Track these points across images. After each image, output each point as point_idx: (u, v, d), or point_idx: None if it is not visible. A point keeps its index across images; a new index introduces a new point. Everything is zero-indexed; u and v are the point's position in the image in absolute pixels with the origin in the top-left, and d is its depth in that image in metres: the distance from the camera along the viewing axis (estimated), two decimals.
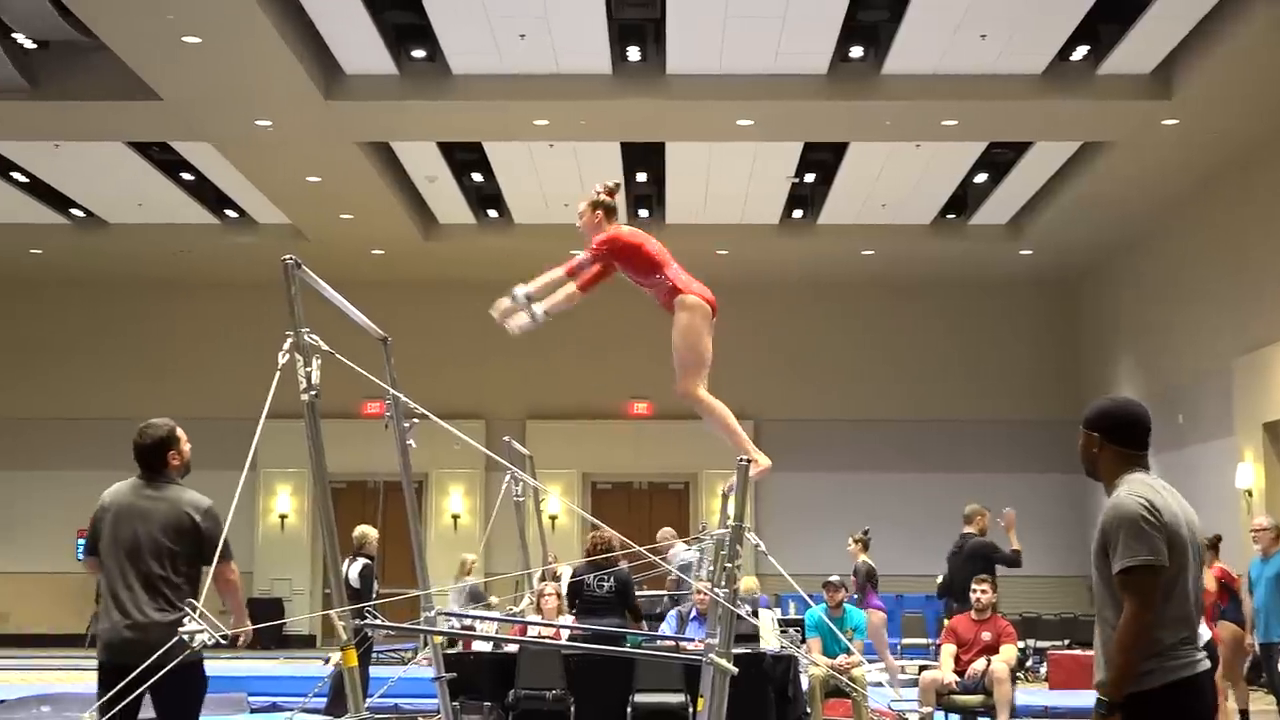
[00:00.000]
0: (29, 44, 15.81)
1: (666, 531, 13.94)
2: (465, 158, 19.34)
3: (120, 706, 5.82)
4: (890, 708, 10.50)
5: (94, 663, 6.27)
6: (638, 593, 12.28)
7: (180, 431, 6.47)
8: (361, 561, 12.68)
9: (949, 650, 10.62)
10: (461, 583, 12.88)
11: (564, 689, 9.69)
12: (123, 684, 5.49)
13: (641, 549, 6.13)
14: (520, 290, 6.52)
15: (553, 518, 23.02)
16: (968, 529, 12.67)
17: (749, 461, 5.86)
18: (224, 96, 16.18)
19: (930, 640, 19.59)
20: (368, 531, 12.91)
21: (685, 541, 13.18)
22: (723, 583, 5.63)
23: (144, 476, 6.37)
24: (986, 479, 24.18)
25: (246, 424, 18.17)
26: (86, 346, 25.21)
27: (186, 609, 6.06)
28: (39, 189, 20.61)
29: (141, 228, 22.40)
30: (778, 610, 15.78)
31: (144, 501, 6.27)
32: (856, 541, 15.28)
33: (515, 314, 6.53)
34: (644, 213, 21.59)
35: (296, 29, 14.81)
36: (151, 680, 5.35)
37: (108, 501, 6.32)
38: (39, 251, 23.39)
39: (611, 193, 6.97)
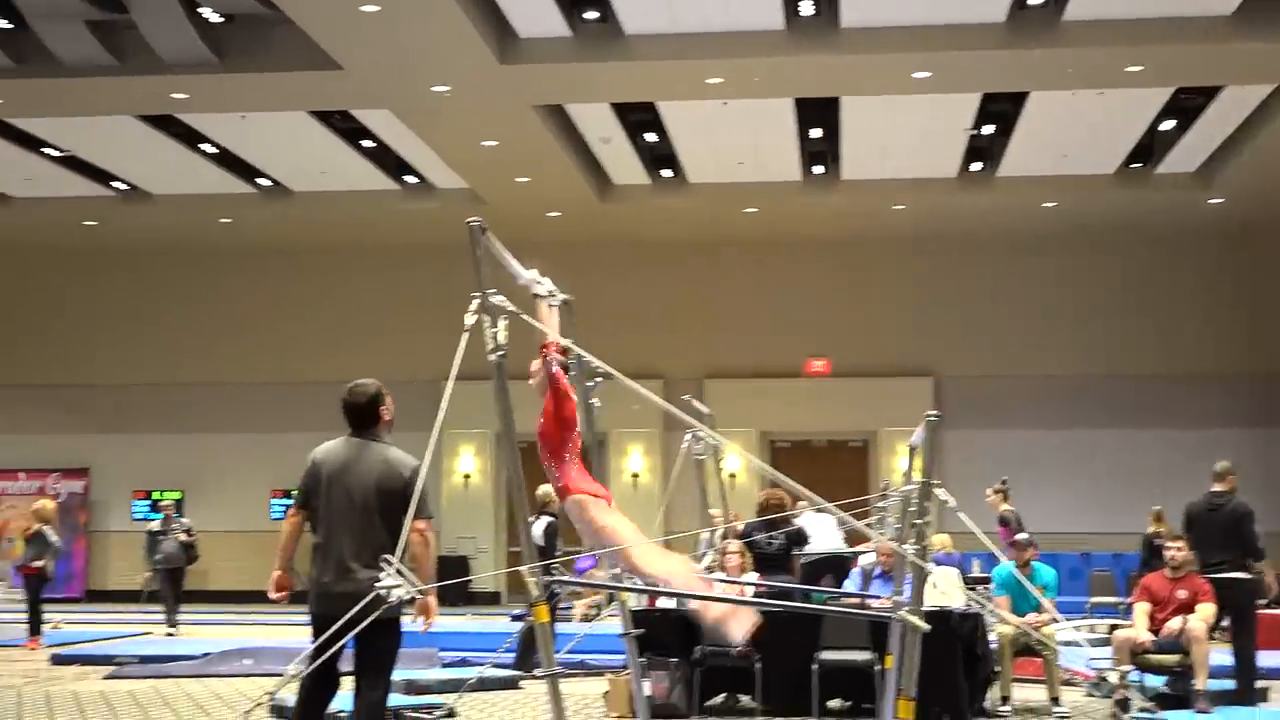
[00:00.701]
0: (216, 18, 16.25)
1: None
2: (639, 118, 19.36)
3: (325, 657, 6.01)
4: (1089, 667, 10.28)
5: (288, 619, 6.48)
6: (809, 549, 12.26)
7: (386, 391, 6.68)
8: (546, 519, 12.85)
9: (1143, 609, 10.37)
10: (540, 519, 12.88)
11: (749, 645, 9.70)
12: (327, 634, 5.64)
13: (821, 501, 6.04)
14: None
15: (731, 476, 23.03)
16: (1218, 487, 11.87)
17: (937, 416, 5.76)
18: (402, 63, 16.43)
19: (1120, 599, 19.17)
20: (550, 489, 13.06)
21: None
22: (911, 540, 5.58)
23: (355, 434, 6.59)
24: (1171, 434, 23.62)
25: (427, 386, 18.80)
26: (276, 313, 25.92)
27: (383, 564, 6.25)
28: (227, 159, 21.20)
29: (325, 195, 22.93)
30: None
31: (357, 458, 6.49)
32: (996, 492, 14.98)
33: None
34: (818, 169, 21.41)
35: None
36: (355, 630, 5.50)
37: (320, 457, 6.53)
38: (228, 220, 24.08)
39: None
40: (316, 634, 6.41)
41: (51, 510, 17.12)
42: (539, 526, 12.72)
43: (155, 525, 18.48)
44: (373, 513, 6.37)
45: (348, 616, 5.26)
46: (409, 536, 6.37)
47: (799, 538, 11.30)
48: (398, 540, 6.34)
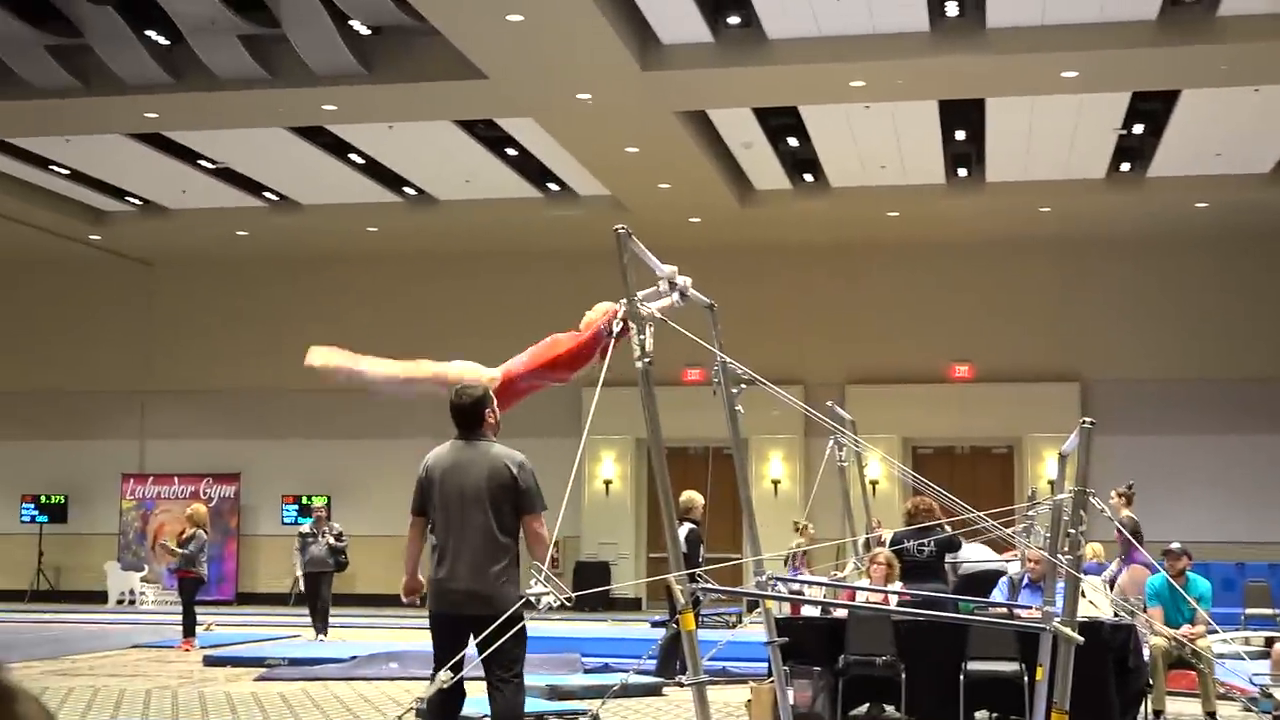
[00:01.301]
0: (364, 30, 16.55)
1: None
2: (780, 122, 19.29)
3: (456, 658, 6.10)
4: (1249, 682, 9.99)
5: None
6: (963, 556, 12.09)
7: (492, 394, 6.79)
8: (687, 526, 12.85)
9: None
10: (682, 525, 12.81)
11: (894, 655, 9.60)
12: (480, 636, 5.69)
13: (972, 509, 5.97)
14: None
15: (874, 482, 22.82)
16: None
17: (1092, 423, 5.64)
18: (545, 71, 16.57)
19: (1276, 611, 18.63)
20: (694, 497, 13.10)
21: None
22: (1065, 549, 5.48)
23: (461, 436, 6.73)
24: None
25: (570, 391, 18.75)
26: (423, 318, 26.26)
27: (511, 564, 6.34)
28: (374, 168, 21.57)
29: (469, 203, 23.22)
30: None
31: (465, 459, 6.63)
32: (1120, 495, 14.54)
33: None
34: (963, 171, 21.14)
35: (614, 1, 15.03)
36: (488, 631, 5.56)
37: (431, 463, 6.68)
38: (374, 229, 24.49)
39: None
40: (435, 632, 6.56)
41: (204, 514, 17.41)
42: (680, 533, 12.70)
43: (306, 528, 18.19)
44: (486, 509, 6.49)
45: (500, 619, 5.29)
46: (525, 531, 6.50)
47: (950, 544, 11.16)
48: (512, 536, 6.48)
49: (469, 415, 6.71)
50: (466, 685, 6.39)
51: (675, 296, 6.37)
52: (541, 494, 6.58)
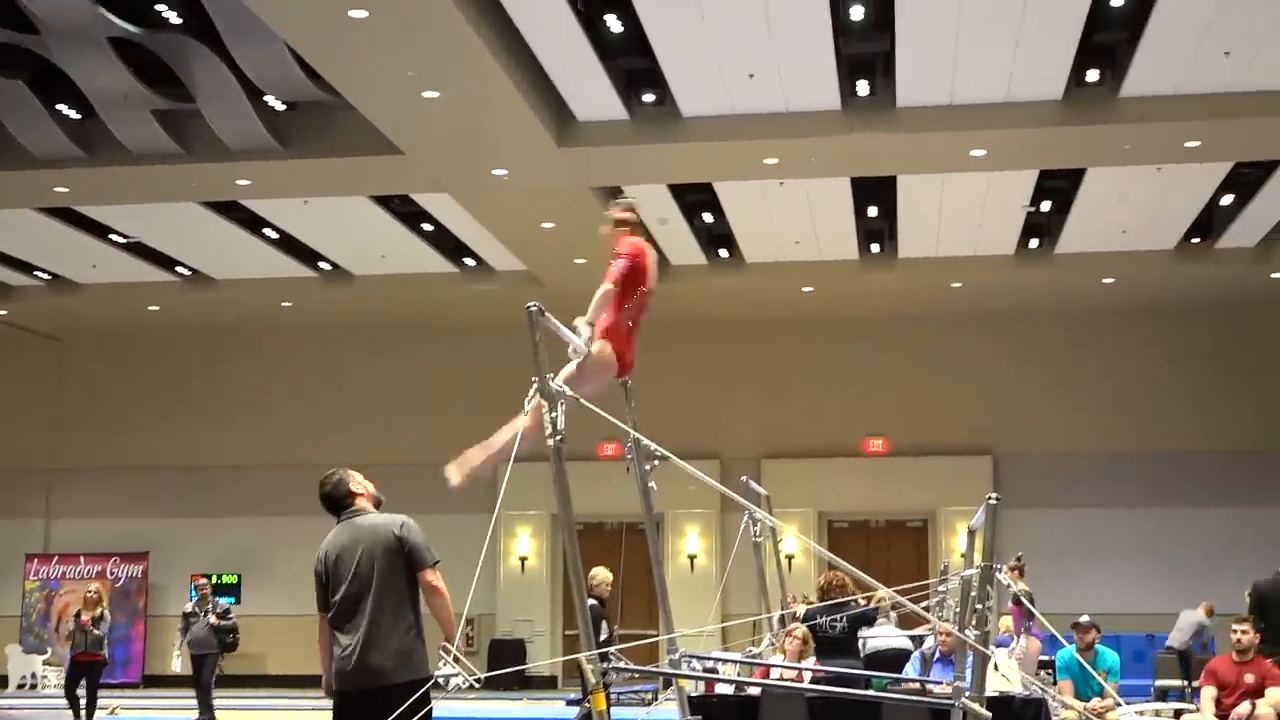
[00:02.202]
0: (279, 106, 16.52)
1: None
2: (696, 198, 19.46)
3: None
4: None
5: None
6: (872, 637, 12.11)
7: (351, 472, 6.91)
8: (590, 602, 12.78)
9: (1209, 693, 10.17)
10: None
11: None
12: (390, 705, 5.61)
13: (883, 588, 6.00)
14: (583, 323, 6.45)
15: (789, 557, 22.87)
16: None
17: (997, 499, 5.69)
18: (462, 148, 16.62)
19: (1184, 682, 18.82)
20: (599, 572, 13.11)
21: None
22: (972, 624, 5.50)
23: (342, 517, 6.79)
24: (1234, 512, 23.31)
25: (486, 467, 18.44)
26: (337, 394, 26.11)
27: (414, 633, 6.27)
28: (289, 243, 21.46)
29: (385, 278, 23.14)
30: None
31: (350, 537, 6.65)
32: (1011, 569, 14.62)
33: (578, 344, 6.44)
34: (875, 247, 21.39)
35: (530, 79, 15.13)
36: (400, 710, 5.48)
37: (323, 551, 6.75)
38: (289, 304, 24.33)
39: (629, 208, 7.01)
40: (339, 709, 6.46)
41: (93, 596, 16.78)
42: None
43: (188, 607, 16.87)
44: (379, 581, 6.48)
45: (411, 701, 5.23)
46: (423, 590, 6.47)
47: (863, 620, 11.17)
48: (411, 602, 6.44)
49: (337, 500, 6.81)
50: None
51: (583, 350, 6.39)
52: (431, 548, 6.61)
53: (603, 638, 12.50)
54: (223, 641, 16.42)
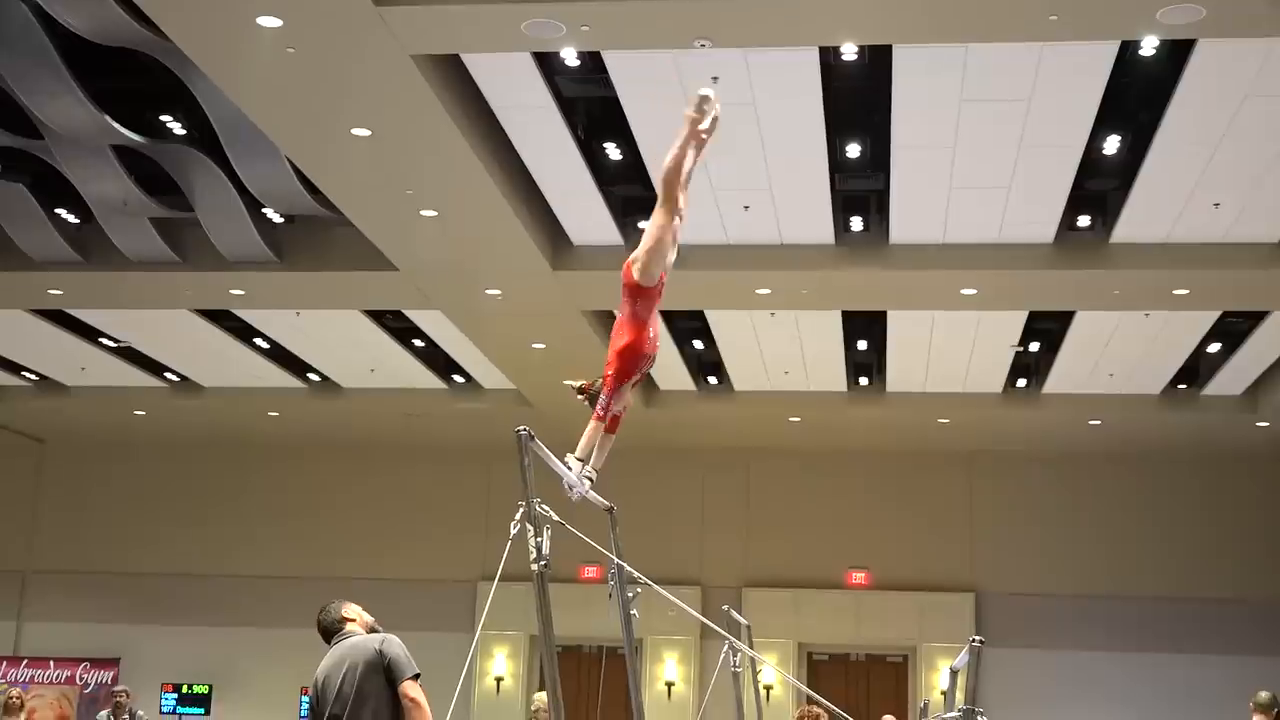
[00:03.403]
0: (277, 218, 16.66)
1: None
2: (686, 325, 19.57)
3: None
4: None
5: None
6: None
7: (350, 603, 7.19)
8: None
9: None
10: None
11: None
12: None
13: None
14: (574, 459, 6.51)
15: (768, 688, 22.67)
16: (1259, 718, 11.61)
17: (981, 641, 5.69)
18: (456, 267, 16.73)
19: None
20: (540, 698, 13.13)
21: None
22: None
23: (335, 641, 7.00)
24: (1220, 660, 23.15)
25: (465, 586, 18.64)
26: (318, 508, 25.99)
27: None
28: (279, 354, 21.49)
29: (373, 393, 23.15)
30: None
31: (337, 659, 6.79)
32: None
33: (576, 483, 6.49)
34: (864, 380, 21.49)
35: (528, 202, 15.29)
36: None
37: (317, 675, 6.85)
38: (276, 414, 24.32)
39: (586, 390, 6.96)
40: None
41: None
42: None
43: (103, 715, 15.73)
44: (361, 698, 6.57)
45: None
46: (403, 703, 6.55)
47: None
48: (390, 713, 6.50)
49: (329, 626, 7.07)
50: None
51: (578, 488, 6.41)
52: (411, 661, 6.70)
53: None
54: None
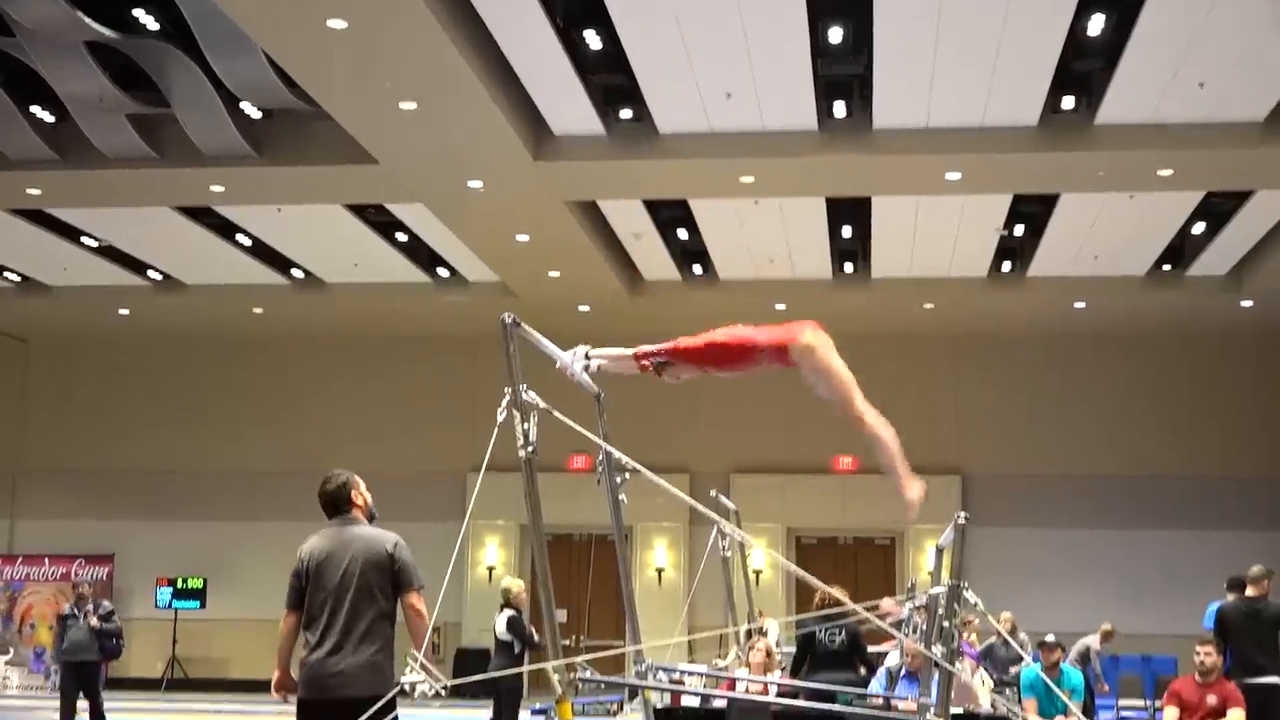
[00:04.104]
0: (255, 113, 16.50)
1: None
2: (671, 215, 19.51)
3: None
4: None
5: None
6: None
7: (357, 478, 6.94)
8: (508, 613, 12.90)
9: (1172, 714, 10.25)
10: (503, 613, 13.10)
11: None
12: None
13: (860, 608, 6.07)
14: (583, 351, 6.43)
15: (757, 572, 22.92)
16: (1253, 591, 11.81)
17: (966, 517, 5.75)
18: (437, 159, 16.63)
19: (1148, 702, 18.93)
20: (510, 585, 13.25)
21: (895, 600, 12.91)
22: (939, 642, 5.55)
23: (334, 522, 6.81)
24: (1198, 535, 23.50)
25: (454, 477, 18.83)
26: (306, 402, 26.05)
27: (386, 647, 6.29)
28: (261, 250, 21.41)
29: (358, 286, 23.12)
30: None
31: (340, 543, 6.67)
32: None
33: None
34: (849, 266, 21.49)
35: (508, 93, 15.16)
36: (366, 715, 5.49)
37: (306, 552, 6.70)
38: (260, 310, 24.28)
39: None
40: (302, 716, 6.46)
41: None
42: (501, 621, 12.83)
43: (65, 607, 15.18)
44: (361, 593, 6.50)
45: (376, 707, 5.25)
46: (404, 609, 6.49)
47: (859, 636, 11.17)
48: (389, 618, 6.45)
49: (336, 500, 6.85)
50: None
51: (586, 366, 6.38)
52: (417, 572, 6.61)
53: (518, 650, 12.71)
54: (104, 647, 14.71)
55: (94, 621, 14.60)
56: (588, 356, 6.37)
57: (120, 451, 26.25)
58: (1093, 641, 18.19)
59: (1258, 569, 11.84)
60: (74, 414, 26.63)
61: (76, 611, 14.73)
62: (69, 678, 14.58)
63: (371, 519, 6.89)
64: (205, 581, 25.40)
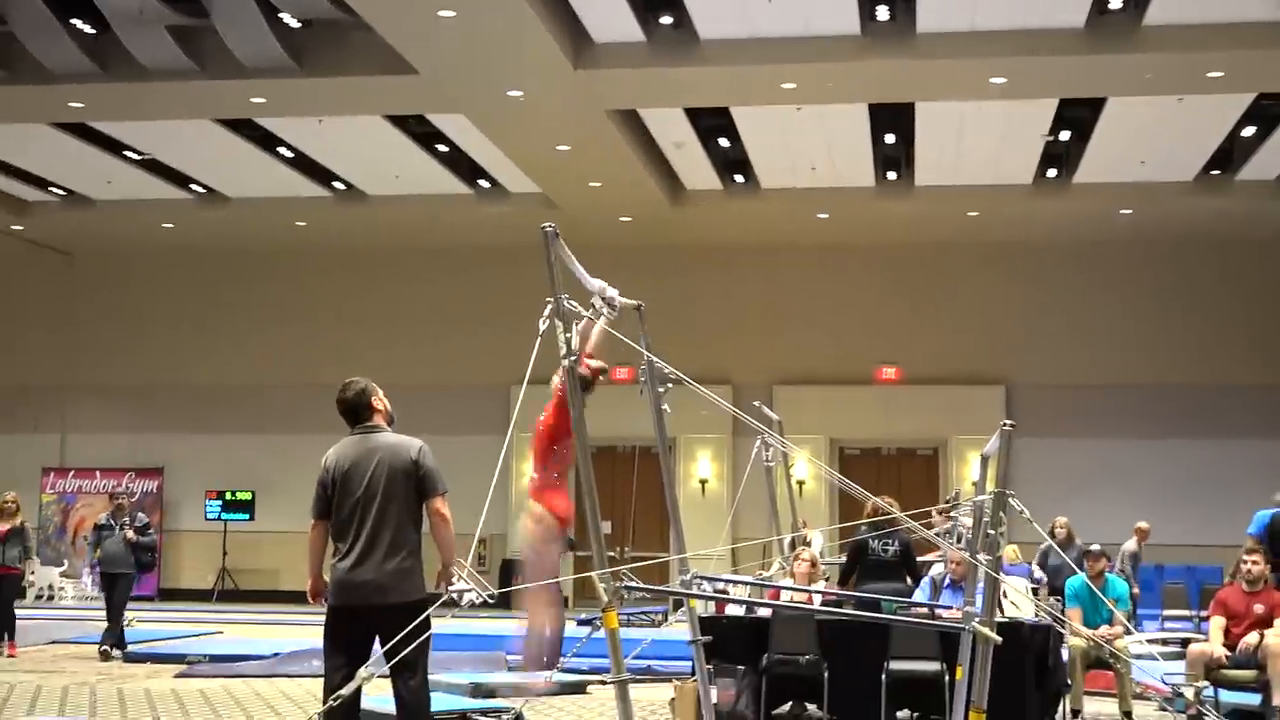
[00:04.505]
0: (294, 23, 16.42)
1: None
2: (712, 123, 19.35)
3: (355, 649, 6.09)
4: (1164, 682, 10.14)
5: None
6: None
7: (374, 385, 6.85)
8: None
9: (1218, 623, 10.21)
10: None
11: (817, 654, 9.66)
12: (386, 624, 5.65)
13: (909, 520, 6.06)
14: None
15: (800, 483, 22.96)
16: None
17: (1012, 425, 5.71)
18: (477, 68, 16.52)
19: (1193, 612, 18.91)
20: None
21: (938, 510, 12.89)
22: (983, 550, 5.53)
23: (356, 430, 6.76)
24: (1244, 444, 23.34)
25: (498, 390, 18.82)
26: (349, 315, 26.12)
27: (415, 554, 6.31)
28: (303, 163, 21.40)
29: (399, 199, 23.10)
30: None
31: (364, 451, 6.63)
32: (940, 512, 14.27)
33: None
34: (892, 174, 21.30)
35: (547, 0, 15.01)
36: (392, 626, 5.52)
37: (331, 460, 6.69)
38: (303, 223, 24.31)
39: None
40: (333, 625, 6.51)
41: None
42: None
43: (102, 518, 15.07)
44: (388, 501, 6.48)
45: (424, 616, 5.29)
46: (430, 514, 6.49)
47: (911, 546, 11.18)
48: (415, 525, 6.48)
49: (356, 407, 6.78)
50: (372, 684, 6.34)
51: (605, 314, 6.39)
52: (442, 476, 6.59)
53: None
54: (140, 560, 14.74)
55: (130, 534, 14.62)
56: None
57: (167, 366, 26.44)
58: (1130, 545, 18.12)
59: None
60: (120, 329, 26.82)
61: (113, 522, 14.73)
62: (106, 587, 14.70)
63: (391, 423, 6.85)
64: (254, 494, 25.65)
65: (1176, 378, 24.06)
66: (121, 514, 14.79)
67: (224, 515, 25.61)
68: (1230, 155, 20.24)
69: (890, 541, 10.64)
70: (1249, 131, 19.12)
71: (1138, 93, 17.32)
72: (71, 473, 26.56)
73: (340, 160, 21.53)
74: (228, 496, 25.70)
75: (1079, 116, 18.68)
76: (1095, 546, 11.51)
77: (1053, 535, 15.28)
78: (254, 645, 15.63)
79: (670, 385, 7.31)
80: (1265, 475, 20.79)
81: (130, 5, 15.53)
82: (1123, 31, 15.60)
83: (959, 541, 10.90)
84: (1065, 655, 10.03)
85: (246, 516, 25.63)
